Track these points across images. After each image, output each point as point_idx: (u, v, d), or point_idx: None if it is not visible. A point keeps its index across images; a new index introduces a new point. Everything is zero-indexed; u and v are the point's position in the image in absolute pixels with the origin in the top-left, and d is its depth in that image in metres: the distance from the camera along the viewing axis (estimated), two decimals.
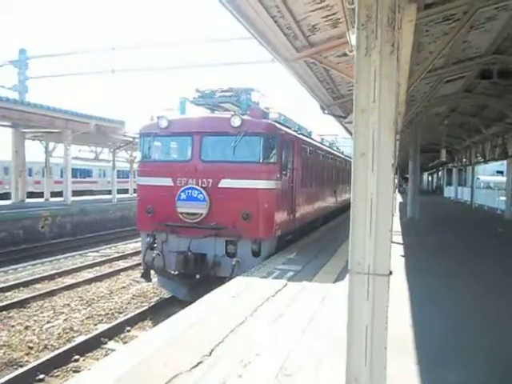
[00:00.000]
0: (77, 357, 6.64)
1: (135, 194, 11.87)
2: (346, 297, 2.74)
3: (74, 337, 7.48)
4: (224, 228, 8.54)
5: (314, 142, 14.13)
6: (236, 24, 6.22)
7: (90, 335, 7.41)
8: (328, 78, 10.39)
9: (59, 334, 7.55)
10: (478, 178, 35.02)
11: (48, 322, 8.10)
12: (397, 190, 31.80)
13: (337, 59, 8.50)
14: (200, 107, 10.61)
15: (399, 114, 9.29)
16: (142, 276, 9.53)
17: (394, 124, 2.65)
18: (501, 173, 47.19)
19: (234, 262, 8.38)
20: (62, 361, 6.45)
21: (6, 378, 5.76)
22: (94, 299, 9.60)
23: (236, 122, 8.52)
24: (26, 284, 10.67)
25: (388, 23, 2.58)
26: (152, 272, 9.43)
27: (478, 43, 9.03)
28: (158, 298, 9.92)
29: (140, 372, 3.64)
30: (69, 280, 11.24)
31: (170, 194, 8.81)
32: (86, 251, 15.66)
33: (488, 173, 46.68)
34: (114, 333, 7.65)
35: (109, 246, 17.20)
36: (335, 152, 19.13)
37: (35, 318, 8.32)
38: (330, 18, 6.69)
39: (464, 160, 30.80)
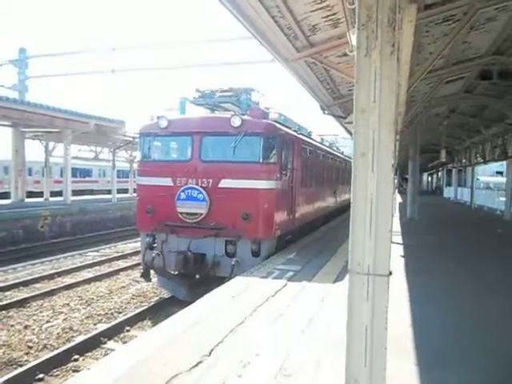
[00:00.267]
0: (76, 356, 6.64)
1: (135, 194, 11.87)
2: (346, 297, 2.74)
3: (73, 336, 7.48)
4: (224, 228, 8.54)
5: (314, 142, 14.13)
6: (236, 24, 6.22)
7: (89, 335, 7.41)
8: (328, 78, 10.39)
9: (59, 333, 7.55)
10: (477, 179, 35.03)
11: (47, 322, 8.10)
12: (396, 191, 31.81)
13: (337, 59, 8.50)
14: (200, 107, 10.61)
15: (399, 114, 9.29)
16: (141, 276, 9.53)
17: (394, 124, 2.65)
18: (500, 173, 47.22)
19: (233, 262, 8.37)
20: (61, 360, 6.44)
21: (6, 377, 5.76)
22: (93, 299, 9.60)
23: (236, 122, 8.52)
24: (25, 283, 10.67)
25: (388, 23, 2.58)
26: (152, 272, 9.43)
27: (478, 44, 9.03)
28: (157, 297, 9.92)
29: (139, 372, 3.63)
30: (68, 280, 11.24)
31: (169, 193, 8.80)
32: (86, 251, 15.65)
33: (488, 173, 46.70)
34: (113, 332, 7.65)
35: (108, 245, 17.19)
36: (335, 152, 19.14)
37: (35, 317, 8.32)
38: (331, 18, 6.69)
39: (464, 160, 30.81)
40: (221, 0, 5.36)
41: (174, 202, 8.70)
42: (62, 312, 8.68)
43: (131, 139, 23.95)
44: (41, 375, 6.02)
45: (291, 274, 7.26)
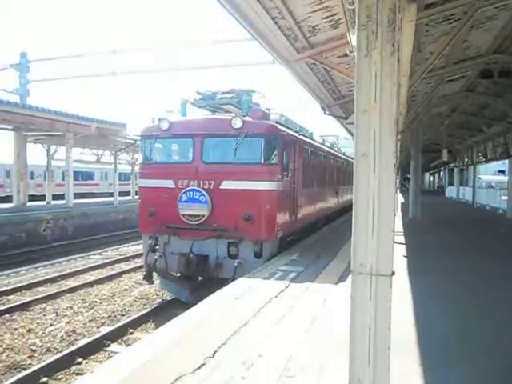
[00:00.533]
0: (80, 359, 6.65)
1: (137, 197, 11.89)
2: (349, 297, 2.73)
3: (76, 339, 7.49)
4: (226, 229, 8.54)
5: (315, 143, 14.12)
6: (236, 26, 6.24)
7: (92, 338, 7.41)
8: (329, 79, 10.40)
9: (62, 336, 7.56)
10: (479, 178, 34.98)
11: (51, 325, 8.11)
12: (398, 190, 31.77)
13: (337, 60, 8.51)
14: (201, 109, 10.63)
15: (400, 114, 9.28)
16: (144, 278, 9.53)
17: (395, 124, 2.65)
18: (502, 172, 47.12)
19: (236, 264, 8.37)
20: (64, 364, 6.45)
21: (10, 380, 5.77)
22: (96, 302, 9.61)
23: (237, 123, 8.52)
24: (28, 287, 10.68)
25: (388, 23, 2.58)
26: (154, 274, 9.44)
27: (479, 43, 9.03)
28: (160, 300, 9.92)
29: (143, 374, 3.64)
30: (71, 283, 11.26)
31: (171, 195, 8.81)
32: (89, 254, 15.68)
33: (490, 172, 46.60)
34: (116, 335, 7.66)
35: (111, 248, 17.22)
36: (336, 153, 19.12)
37: (38, 320, 8.33)
38: (331, 18, 6.70)
39: (465, 160, 30.78)
40: (221, 2, 5.37)
41: (176, 204, 8.71)
42: (65, 315, 8.69)
43: (133, 142, 23.99)
44: (44, 379, 6.02)
45: (294, 274, 7.26)
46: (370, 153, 2.64)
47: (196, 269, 8.64)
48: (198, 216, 8.64)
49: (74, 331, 7.81)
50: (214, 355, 3.96)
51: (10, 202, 23.16)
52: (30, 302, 9.33)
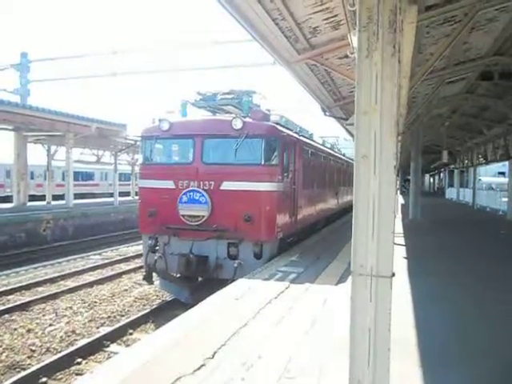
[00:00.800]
0: (79, 360, 6.64)
1: (137, 197, 11.90)
2: (349, 299, 2.73)
3: (76, 340, 7.48)
4: (226, 230, 8.54)
5: (316, 144, 14.13)
6: (237, 27, 6.24)
7: (92, 338, 7.40)
8: (329, 80, 10.41)
9: (61, 337, 7.55)
10: (479, 180, 34.98)
11: (50, 325, 8.11)
12: (398, 192, 31.77)
13: (338, 61, 8.52)
14: (201, 110, 10.63)
15: (400, 115, 9.29)
16: (144, 279, 9.53)
17: (395, 126, 2.65)
18: (503, 174, 47.11)
19: (235, 265, 8.36)
20: (64, 364, 6.45)
21: (9, 381, 5.77)
22: (96, 302, 9.60)
23: (237, 124, 8.52)
24: (28, 287, 10.68)
25: (389, 25, 2.58)
26: (154, 275, 9.43)
27: (479, 44, 9.04)
28: (160, 300, 9.92)
29: (142, 375, 3.63)
30: (71, 283, 11.26)
31: (171, 196, 8.81)
32: (88, 254, 15.68)
33: (490, 174, 46.61)
34: (116, 336, 7.66)
35: (111, 248, 17.21)
36: (336, 154, 19.13)
37: (37, 321, 8.33)
38: (331, 20, 6.72)
39: (466, 161, 30.81)
40: (222, 4, 5.38)
41: (176, 205, 8.71)
42: (64, 315, 8.69)
43: (133, 142, 23.99)
44: (44, 379, 6.02)
45: (294, 275, 7.25)
46: (371, 154, 2.65)
47: (196, 269, 8.64)
48: (198, 217, 8.64)
49: (73, 331, 7.81)
50: (213, 356, 3.96)
51: (10, 201, 23.15)
52: (30, 302, 9.33)
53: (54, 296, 9.86)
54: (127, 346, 7.22)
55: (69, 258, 14.87)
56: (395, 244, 2.76)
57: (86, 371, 6.17)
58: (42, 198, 25.89)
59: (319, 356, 4.00)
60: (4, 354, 6.78)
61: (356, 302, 2.71)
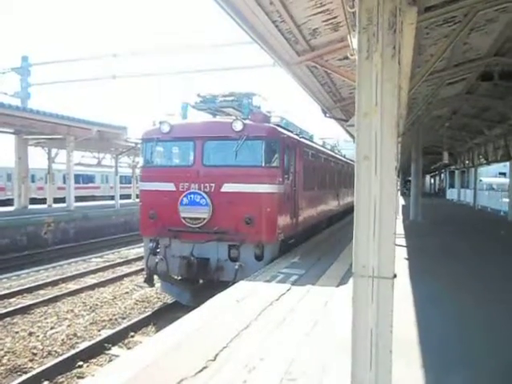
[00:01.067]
0: (81, 363, 6.64)
1: (138, 200, 11.92)
2: (350, 300, 2.73)
3: (77, 343, 7.48)
4: (227, 232, 8.53)
5: (316, 146, 14.13)
6: (237, 29, 6.25)
7: (93, 341, 7.40)
8: (329, 82, 10.42)
9: (63, 340, 7.55)
10: (480, 180, 34.96)
11: (52, 328, 8.11)
12: (399, 193, 31.76)
13: (338, 63, 8.53)
14: (202, 112, 10.64)
15: (401, 116, 9.30)
16: (145, 281, 9.52)
17: (396, 127, 2.65)
18: (503, 174, 47.05)
19: (236, 267, 8.36)
20: (65, 367, 6.44)
21: None
22: (97, 305, 9.60)
23: (238, 126, 8.52)
24: (29, 290, 10.68)
25: (389, 26, 2.59)
26: (155, 277, 9.43)
27: (479, 45, 9.05)
28: (161, 303, 9.91)
29: (144, 377, 3.63)
30: (72, 286, 11.26)
31: (172, 198, 8.81)
32: (90, 257, 15.68)
33: (491, 174, 46.57)
34: (117, 338, 7.65)
35: (112, 251, 17.21)
36: (337, 155, 19.13)
37: (39, 324, 8.33)
38: (331, 21, 6.73)
39: (466, 162, 30.79)
40: (221, 5, 5.39)
41: (177, 207, 8.71)
42: (66, 318, 8.68)
43: (133, 145, 24.01)
44: (45, 382, 6.01)
45: (295, 277, 7.25)
46: (372, 155, 2.65)
47: (197, 272, 8.64)
48: (199, 219, 8.64)
49: (74, 334, 7.80)
50: (215, 358, 3.95)
51: (12, 205, 23.17)
52: (31, 305, 9.33)
53: (56, 299, 9.87)
54: (129, 348, 7.22)
55: (70, 260, 14.87)
56: (396, 245, 2.75)
57: (87, 374, 6.17)
58: (43, 200, 25.90)
59: (321, 358, 3.99)
60: (5, 358, 6.78)
61: (358, 303, 2.70)
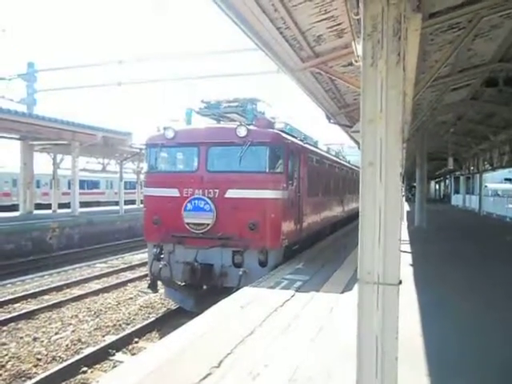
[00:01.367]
0: (85, 369, 6.63)
1: (142, 205, 11.95)
2: (355, 306, 2.72)
3: (81, 348, 7.48)
4: (231, 238, 8.52)
5: (320, 152, 14.13)
6: (242, 36, 6.29)
7: (97, 347, 7.40)
8: (334, 88, 10.44)
9: (67, 345, 7.55)
10: (485, 186, 34.80)
11: (56, 334, 8.11)
12: (404, 199, 31.66)
13: (342, 69, 8.55)
14: (206, 118, 10.68)
15: (406, 122, 9.30)
16: (148, 287, 9.52)
17: (401, 133, 2.66)
18: (509, 180, 46.83)
19: (240, 273, 8.35)
20: (70, 373, 6.44)
21: None
22: (101, 310, 9.61)
23: (242, 132, 8.54)
24: (34, 295, 10.71)
25: (394, 33, 2.60)
26: (159, 283, 9.43)
27: (484, 51, 9.04)
28: (165, 308, 9.90)
29: None
30: (77, 291, 11.28)
31: (176, 204, 8.82)
32: (94, 262, 15.71)
33: (496, 180, 46.37)
34: (121, 344, 7.64)
35: (116, 257, 17.24)
36: (341, 161, 19.11)
37: (43, 329, 8.34)
38: (335, 28, 6.75)
39: (471, 168, 30.68)
40: (227, 13, 5.42)
41: (181, 213, 8.72)
42: (70, 324, 8.69)
43: (138, 150, 24.11)
44: None
45: (299, 283, 7.22)
46: (377, 162, 2.65)
47: (201, 277, 8.62)
48: (203, 225, 8.64)
49: (79, 340, 7.80)
50: (219, 365, 3.94)
51: (17, 210, 23.29)
52: (36, 310, 9.35)
53: (60, 304, 9.88)
54: (133, 354, 7.21)
55: (74, 266, 14.92)
56: (401, 251, 2.74)
57: (91, 380, 6.16)
58: (48, 206, 26.03)
59: (326, 364, 3.97)
60: (10, 363, 6.78)
61: (363, 309, 2.69)
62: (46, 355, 7.13)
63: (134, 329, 8.34)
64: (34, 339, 7.79)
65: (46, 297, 10.72)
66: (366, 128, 2.67)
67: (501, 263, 10.05)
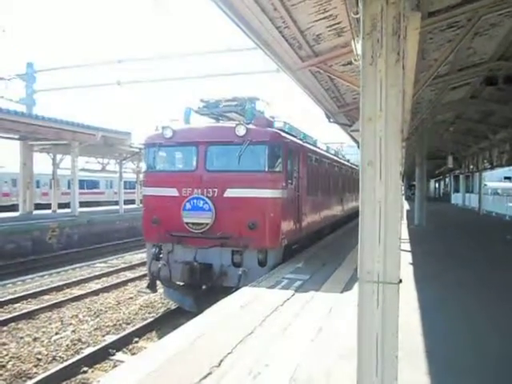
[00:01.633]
0: (85, 368, 6.63)
1: (142, 205, 11.94)
2: (355, 306, 2.72)
3: (82, 348, 7.47)
4: (230, 238, 8.51)
5: (320, 151, 14.12)
6: (241, 34, 6.29)
7: (98, 346, 7.39)
8: (333, 87, 10.44)
9: (67, 345, 7.55)
10: (485, 185, 34.82)
11: (56, 334, 8.11)
12: (403, 198, 31.68)
13: (341, 68, 8.55)
14: (205, 117, 10.65)
15: (405, 121, 9.29)
16: (147, 287, 9.50)
17: (400, 132, 2.65)
18: (509, 179, 46.87)
19: (240, 272, 8.34)
20: (70, 372, 6.43)
21: None
22: (101, 310, 9.60)
23: (241, 131, 8.52)
24: (34, 295, 10.70)
25: (393, 32, 2.59)
26: (158, 283, 9.42)
27: (483, 49, 9.04)
28: (165, 308, 9.90)
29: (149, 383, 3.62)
30: (77, 291, 11.27)
31: (175, 204, 8.80)
32: (94, 262, 15.70)
33: (496, 179, 46.39)
34: (122, 344, 7.63)
35: (116, 256, 17.23)
36: (341, 160, 19.11)
37: (43, 329, 8.33)
38: (335, 27, 6.75)
39: (471, 166, 30.68)
40: (225, 11, 5.42)
41: (180, 212, 8.70)
42: (70, 324, 8.69)
43: (137, 150, 24.10)
44: None
45: (299, 283, 7.22)
46: (376, 160, 2.65)
47: (200, 277, 8.61)
48: (202, 224, 8.63)
49: (79, 340, 7.80)
50: (219, 364, 3.94)
51: (17, 210, 23.28)
52: (36, 310, 9.34)
53: (60, 304, 9.87)
54: (133, 354, 7.20)
55: (74, 266, 14.91)
56: (401, 250, 2.74)
57: (91, 380, 6.16)
58: (48, 206, 26.01)
59: (326, 364, 3.97)
60: (10, 363, 6.78)
61: (363, 308, 2.69)
62: (47, 355, 7.13)
63: (133, 328, 8.33)
64: (35, 339, 7.78)
65: (46, 297, 10.71)
66: (365, 127, 2.67)
67: (501, 263, 10.06)
